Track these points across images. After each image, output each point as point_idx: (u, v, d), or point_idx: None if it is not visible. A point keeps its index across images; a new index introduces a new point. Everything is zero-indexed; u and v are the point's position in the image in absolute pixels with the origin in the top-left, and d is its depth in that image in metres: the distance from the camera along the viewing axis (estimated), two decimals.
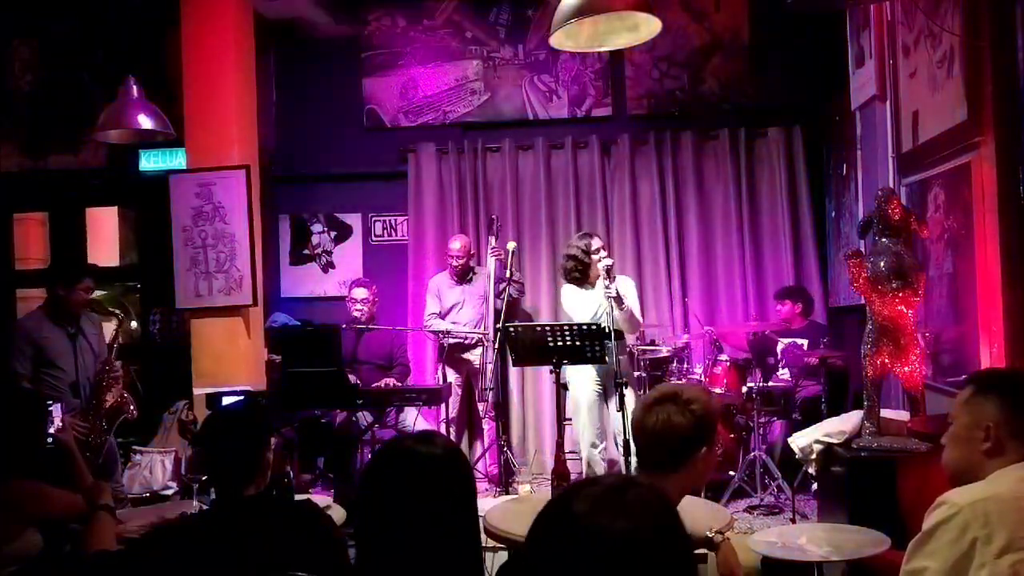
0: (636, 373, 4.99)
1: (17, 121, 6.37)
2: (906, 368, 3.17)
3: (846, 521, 2.94)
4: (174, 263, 4.90)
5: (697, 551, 2.34)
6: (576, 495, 1.05)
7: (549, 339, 4.04)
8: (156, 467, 5.26)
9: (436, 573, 1.47)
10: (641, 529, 1.00)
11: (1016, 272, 3.06)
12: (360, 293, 5.45)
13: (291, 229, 6.49)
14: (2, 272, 6.40)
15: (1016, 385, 1.85)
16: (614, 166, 6.10)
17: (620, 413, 3.87)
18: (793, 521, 4.32)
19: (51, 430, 2.88)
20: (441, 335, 5.51)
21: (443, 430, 5.07)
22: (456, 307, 5.64)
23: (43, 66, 6.36)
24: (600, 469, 4.53)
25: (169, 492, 5.06)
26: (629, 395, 3.93)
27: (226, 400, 4.01)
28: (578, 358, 4.11)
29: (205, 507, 2.63)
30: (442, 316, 5.65)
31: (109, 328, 4.42)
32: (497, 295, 5.30)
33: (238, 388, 4.45)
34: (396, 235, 6.44)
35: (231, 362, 4.82)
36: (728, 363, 5.22)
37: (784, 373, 5.14)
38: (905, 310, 3.13)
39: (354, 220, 6.46)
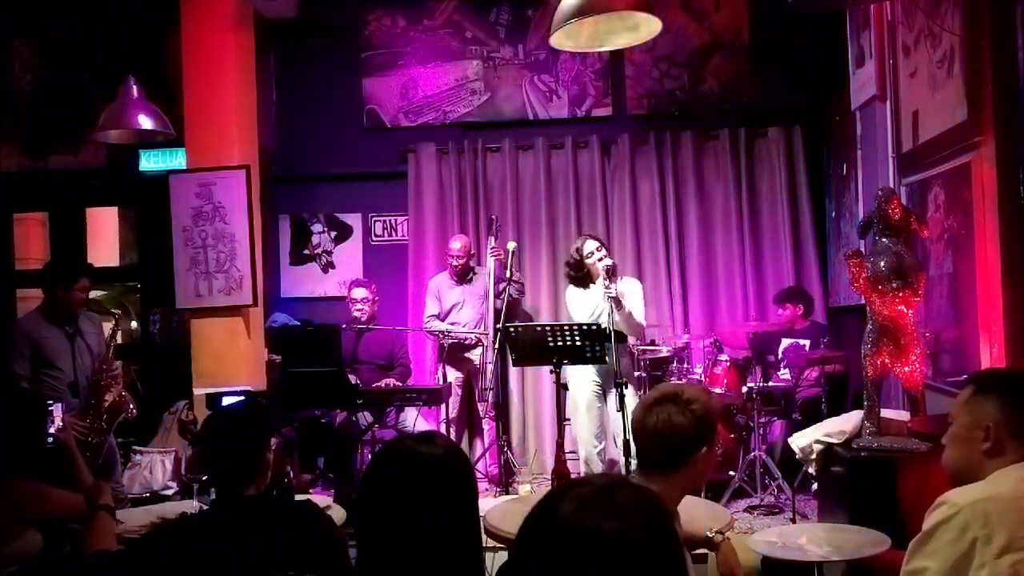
0: (636, 373, 4.99)
1: (17, 121, 6.37)
2: (906, 368, 3.17)
3: (846, 521, 2.94)
4: (174, 263, 4.91)
5: (697, 551, 2.34)
6: (564, 496, 1.04)
7: (549, 339, 4.04)
8: (156, 467, 5.26)
9: (437, 573, 1.47)
10: (630, 530, 0.99)
11: (1016, 272, 3.06)
12: (360, 293, 5.45)
13: (291, 229, 6.48)
14: (2, 272, 6.40)
15: (1016, 385, 1.85)
16: (614, 166, 6.09)
17: (620, 413, 3.87)
18: (793, 521, 4.32)
19: (51, 430, 2.88)
20: (441, 335, 5.51)
21: (443, 430, 5.08)
22: (456, 307, 5.63)
23: (43, 66, 6.36)
24: (598, 469, 4.54)
25: (169, 492, 5.07)
26: (629, 395, 3.92)
27: (226, 400, 4.01)
28: (578, 358, 4.11)
29: (205, 507, 2.63)
30: (442, 316, 5.65)
31: (108, 328, 4.42)
32: (497, 295, 5.30)
33: (238, 388, 4.46)
34: (396, 235, 6.44)
35: (231, 362, 4.83)
36: (728, 363, 5.22)
37: (785, 373, 5.14)
38: (905, 310, 3.13)
39: (354, 220, 6.45)
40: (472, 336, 5.53)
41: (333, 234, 6.47)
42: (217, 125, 4.89)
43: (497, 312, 5.14)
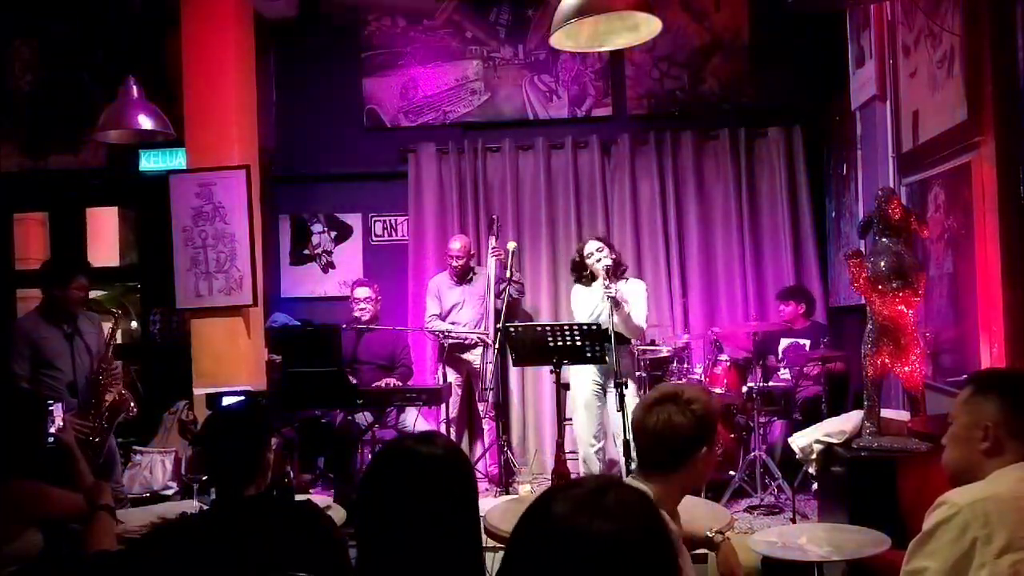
0: (636, 373, 4.98)
1: (17, 121, 6.37)
2: (906, 368, 3.17)
3: (846, 521, 2.94)
4: (174, 263, 4.90)
5: (697, 551, 2.34)
6: (557, 497, 1.04)
7: (549, 339, 4.05)
8: (156, 467, 5.26)
9: (437, 573, 1.47)
10: (621, 531, 0.99)
11: (1016, 272, 3.06)
12: (363, 293, 5.45)
13: (291, 229, 6.49)
14: (2, 272, 6.40)
15: (1016, 385, 1.85)
16: (614, 166, 6.09)
17: (620, 413, 3.87)
18: (793, 521, 4.32)
19: (52, 429, 2.88)
20: (441, 335, 5.51)
21: (443, 430, 5.07)
22: (456, 307, 5.63)
23: (43, 66, 6.36)
24: (597, 468, 4.55)
25: (169, 492, 5.06)
26: (629, 395, 3.92)
27: (226, 400, 4.01)
28: (578, 358, 4.12)
29: (205, 507, 2.63)
30: (442, 316, 5.65)
31: (108, 328, 4.41)
32: (497, 295, 5.30)
33: (238, 388, 4.46)
34: (396, 235, 6.44)
35: (231, 362, 4.82)
36: (728, 363, 5.22)
37: (785, 373, 5.14)
38: (905, 310, 3.13)
39: (354, 220, 6.46)
40: (472, 336, 5.53)
41: (333, 234, 6.47)
42: (217, 125, 4.88)
43: (497, 312, 5.15)
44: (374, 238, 6.47)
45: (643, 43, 3.24)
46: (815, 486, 3.96)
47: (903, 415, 3.43)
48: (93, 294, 4.79)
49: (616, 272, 4.46)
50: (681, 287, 5.94)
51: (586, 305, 4.52)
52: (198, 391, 4.80)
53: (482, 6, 6.26)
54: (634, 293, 4.55)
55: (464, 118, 6.29)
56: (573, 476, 4.17)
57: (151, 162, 6.20)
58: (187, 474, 4.13)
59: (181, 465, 5.18)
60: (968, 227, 3.37)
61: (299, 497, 2.21)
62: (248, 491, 2.02)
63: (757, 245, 5.94)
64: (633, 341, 4.78)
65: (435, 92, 6.30)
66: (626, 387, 3.89)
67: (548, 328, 4.11)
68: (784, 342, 5.26)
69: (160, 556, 1.86)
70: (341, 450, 4.98)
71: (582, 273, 4.64)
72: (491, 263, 5.42)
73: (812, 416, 4.48)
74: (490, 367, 5.27)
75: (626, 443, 3.56)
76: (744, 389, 4.91)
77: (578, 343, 4.02)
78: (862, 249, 3.64)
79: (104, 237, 6.71)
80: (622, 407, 3.81)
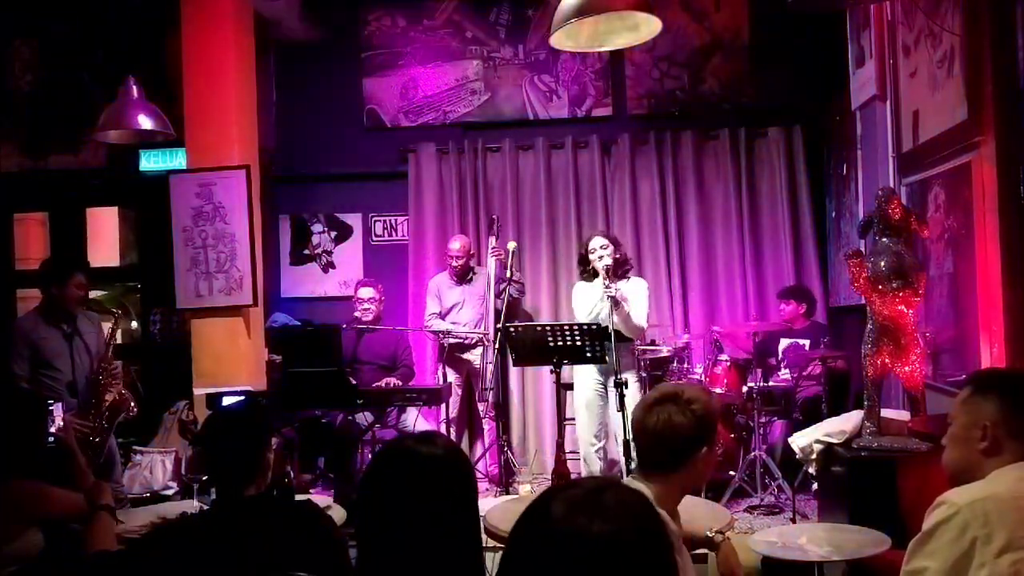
0: (639, 372, 4.98)
1: (17, 121, 6.37)
2: (906, 368, 3.17)
3: (846, 521, 2.94)
4: (174, 263, 4.90)
5: (697, 551, 2.34)
6: (555, 497, 1.04)
7: (549, 339, 4.05)
8: (156, 467, 5.25)
9: (437, 573, 1.47)
10: (619, 531, 0.99)
11: (1016, 272, 3.06)
12: (367, 293, 5.45)
13: (291, 229, 6.49)
14: (2, 272, 6.40)
15: (1015, 385, 1.85)
16: (614, 166, 6.10)
17: (620, 413, 3.87)
18: (793, 521, 4.32)
19: (52, 429, 2.87)
20: (441, 335, 5.51)
21: (443, 430, 5.07)
22: (456, 307, 5.64)
23: (43, 66, 6.36)
24: (597, 468, 4.54)
25: (169, 492, 5.06)
26: (630, 395, 3.92)
27: (226, 400, 4.01)
28: (578, 358, 4.12)
29: (205, 507, 2.63)
30: (442, 316, 5.65)
31: (108, 327, 4.41)
32: (497, 295, 5.30)
33: (238, 388, 4.45)
34: (396, 235, 6.45)
35: (231, 362, 4.82)
36: (728, 363, 5.22)
37: (785, 373, 5.14)
38: (905, 310, 3.13)
39: (354, 220, 6.46)
40: (473, 336, 5.53)
41: (333, 234, 6.48)
42: (217, 125, 4.88)
43: (497, 312, 5.15)
44: (374, 238, 6.47)
45: (643, 43, 3.24)
46: (815, 486, 3.96)
47: (903, 415, 3.43)
48: (93, 294, 4.78)
49: (617, 272, 4.45)
50: (681, 287, 5.94)
51: (586, 303, 4.50)
52: (198, 391, 4.79)
53: (482, 6, 6.26)
54: (635, 292, 4.54)
55: (464, 118, 6.29)
56: (573, 476, 4.17)
57: (151, 162, 6.20)
58: (187, 474, 4.12)
59: (181, 465, 5.18)
60: (968, 227, 3.37)
61: (299, 497, 2.21)
62: (248, 491, 2.02)
63: (757, 245, 5.94)
64: (634, 340, 4.78)
65: (435, 92, 6.30)
66: (627, 386, 3.89)
67: (548, 328, 4.11)
68: (784, 342, 5.26)
69: (160, 556, 1.86)
70: (341, 450, 4.98)
71: (585, 268, 4.60)
72: (491, 263, 5.42)
73: (812, 416, 4.47)
74: (490, 367, 5.27)
75: (626, 443, 3.56)
76: (744, 389, 4.91)
77: (578, 343, 4.02)
78: (862, 249, 3.64)
79: (104, 237, 6.71)
80: (622, 407, 3.81)
